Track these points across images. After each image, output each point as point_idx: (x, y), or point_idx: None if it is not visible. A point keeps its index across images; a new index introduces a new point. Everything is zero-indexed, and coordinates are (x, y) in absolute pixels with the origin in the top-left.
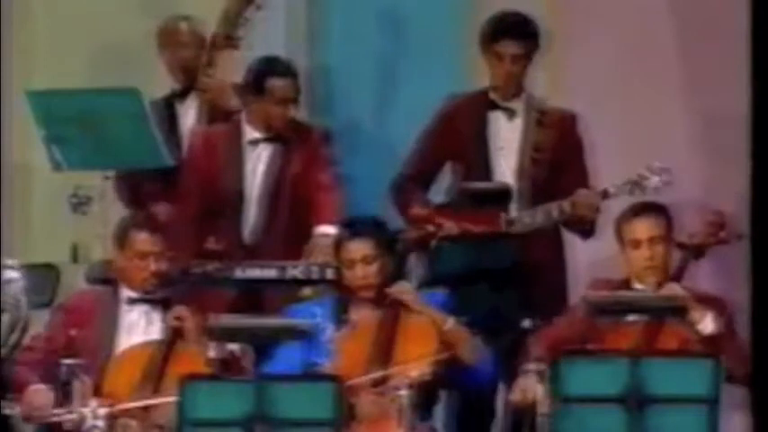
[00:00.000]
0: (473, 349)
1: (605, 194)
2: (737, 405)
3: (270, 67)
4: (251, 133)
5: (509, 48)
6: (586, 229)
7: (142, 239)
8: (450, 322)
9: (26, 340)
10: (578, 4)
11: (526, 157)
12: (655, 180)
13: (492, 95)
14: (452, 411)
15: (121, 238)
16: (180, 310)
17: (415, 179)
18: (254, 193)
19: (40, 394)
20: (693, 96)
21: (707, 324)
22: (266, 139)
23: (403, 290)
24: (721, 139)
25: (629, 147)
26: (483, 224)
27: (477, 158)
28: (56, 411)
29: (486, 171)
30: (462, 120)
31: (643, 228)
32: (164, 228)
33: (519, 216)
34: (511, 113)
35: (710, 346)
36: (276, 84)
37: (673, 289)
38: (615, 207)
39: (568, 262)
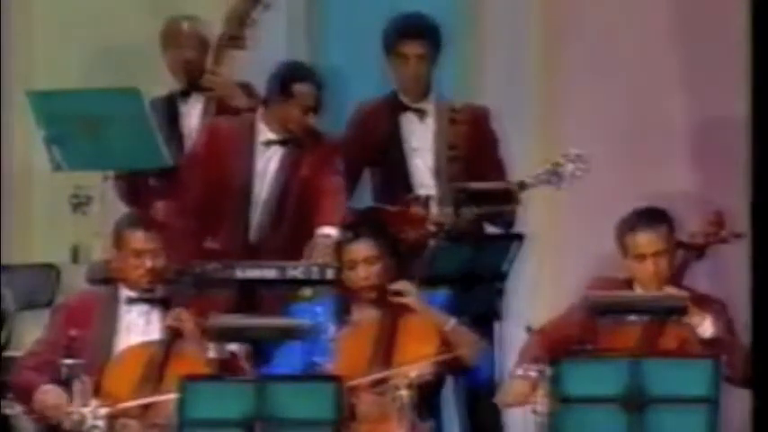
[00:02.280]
0: (474, 350)
1: (522, 186)
2: (737, 405)
3: (299, 72)
4: (266, 133)
5: (413, 48)
6: (508, 221)
7: (137, 237)
8: (450, 323)
9: (31, 345)
10: (576, 3)
11: (442, 156)
12: (570, 167)
13: (402, 98)
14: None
15: (117, 238)
16: (179, 312)
17: None
18: (262, 192)
19: (52, 393)
20: (693, 97)
21: (706, 328)
22: (280, 142)
23: (403, 290)
24: (721, 139)
25: (629, 147)
26: (408, 226)
27: (394, 161)
28: (69, 410)
29: (403, 173)
30: (375, 124)
31: (647, 242)
32: (159, 225)
33: (441, 216)
34: (422, 114)
35: (710, 350)
36: (302, 89)
37: (671, 292)
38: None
39: (563, 261)
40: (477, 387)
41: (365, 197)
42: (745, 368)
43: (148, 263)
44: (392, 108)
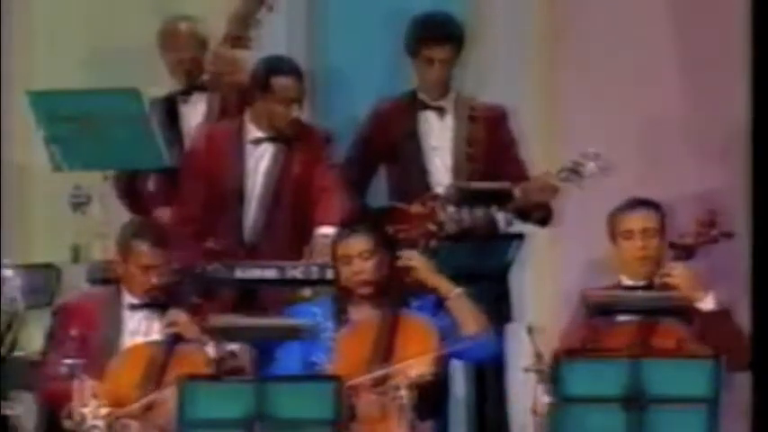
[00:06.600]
0: (477, 321)
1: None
2: (737, 405)
3: (275, 65)
4: (254, 132)
5: (439, 53)
6: (543, 217)
7: (144, 252)
8: (456, 291)
9: (44, 355)
10: (577, 3)
11: (461, 154)
12: (590, 165)
13: (421, 96)
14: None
15: (124, 247)
16: (174, 314)
17: (351, 184)
18: (255, 192)
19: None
20: (694, 97)
21: (708, 302)
22: (269, 139)
23: (412, 257)
24: (721, 139)
25: (629, 147)
26: (419, 224)
27: (412, 159)
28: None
29: (421, 171)
30: (393, 122)
31: (636, 220)
32: (166, 239)
33: (456, 214)
34: (441, 112)
35: (713, 324)
36: (281, 82)
37: (676, 267)
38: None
39: (563, 261)
40: (484, 372)
41: (380, 195)
42: (744, 351)
43: (154, 279)
44: (411, 106)
